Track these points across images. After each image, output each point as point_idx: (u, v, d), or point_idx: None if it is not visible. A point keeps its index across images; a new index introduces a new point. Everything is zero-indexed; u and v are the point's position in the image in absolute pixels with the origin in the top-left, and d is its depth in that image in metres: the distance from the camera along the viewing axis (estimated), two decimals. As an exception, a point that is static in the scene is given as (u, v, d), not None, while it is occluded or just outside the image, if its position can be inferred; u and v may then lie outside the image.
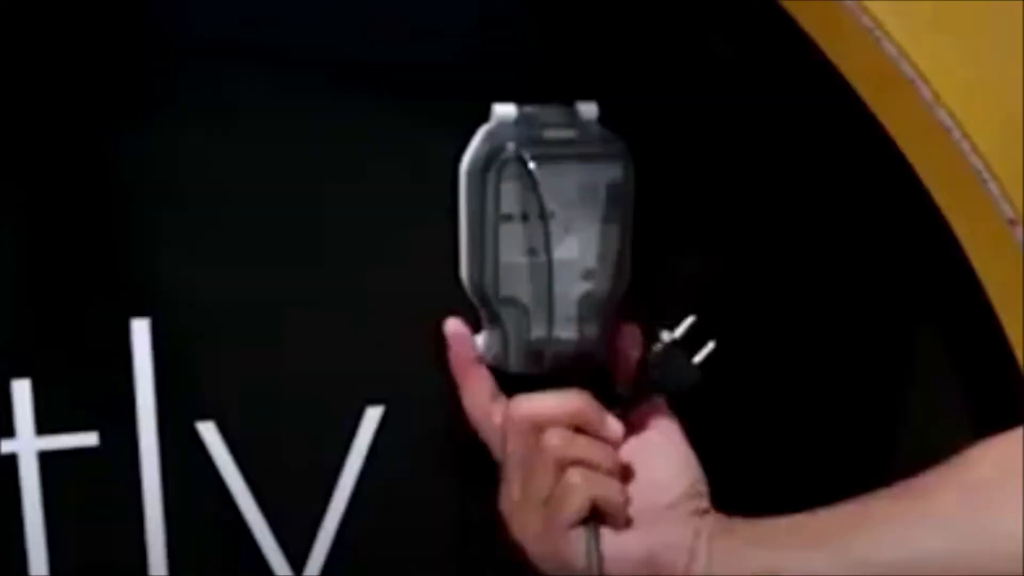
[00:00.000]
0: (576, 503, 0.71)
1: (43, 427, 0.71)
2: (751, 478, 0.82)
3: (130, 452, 0.73)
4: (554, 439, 0.71)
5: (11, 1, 0.67)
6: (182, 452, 0.74)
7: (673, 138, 0.77)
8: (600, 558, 0.71)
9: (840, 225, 0.82)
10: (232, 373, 0.74)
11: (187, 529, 0.75)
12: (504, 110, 0.73)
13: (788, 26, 0.75)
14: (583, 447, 0.72)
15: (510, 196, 0.73)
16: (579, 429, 0.72)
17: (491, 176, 0.72)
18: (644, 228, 0.76)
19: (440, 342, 0.75)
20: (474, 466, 0.77)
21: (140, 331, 0.72)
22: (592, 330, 0.74)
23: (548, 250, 0.72)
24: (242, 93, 0.71)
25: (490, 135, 0.73)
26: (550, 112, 0.74)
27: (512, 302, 0.74)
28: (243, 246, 0.73)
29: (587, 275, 0.75)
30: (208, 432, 0.74)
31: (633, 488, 0.73)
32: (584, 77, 0.75)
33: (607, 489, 0.71)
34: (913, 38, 0.74)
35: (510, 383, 0.75)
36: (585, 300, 0.74)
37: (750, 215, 0.81)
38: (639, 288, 0.77)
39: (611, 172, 0.73)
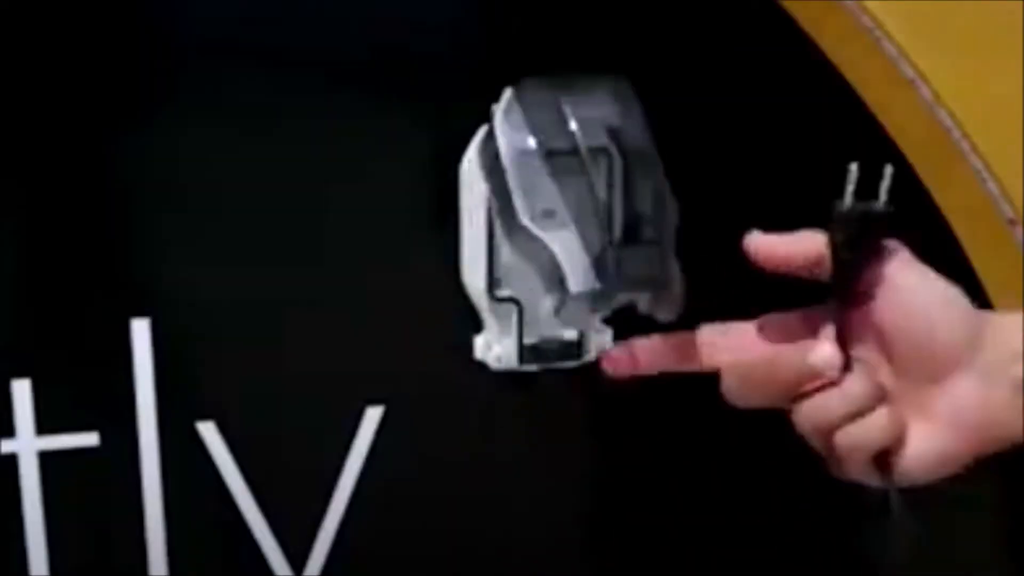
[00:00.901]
0: (858, 469, 0.63)
1: (43, 427, 0.71)
2: (750, 477, 0.83)
3: (130, 452, 0.73)
4: (804, 422, 0.64)
5: (11, 1, 0.67)
6: (182, 452, 0.74)
7: (672, 138, 0.77)
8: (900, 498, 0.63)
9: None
10: (232, 373, 0.74)
11: (187, 529, 0.75)
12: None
13: (788, 26, 0.75)
14: (837, 408, 0.63)
15: (511, 194, 0.73)
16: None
17: (493, 173, 0.72)
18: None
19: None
20: (474, 466, 0.78)
21: (140, 331, 0.72)
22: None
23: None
24: (242, 93, 0.71)
25: (491, 135, 0.73)
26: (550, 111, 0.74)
27: (512, 301, 0.74)
28: (243, 246, 0.73)
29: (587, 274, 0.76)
30: (208, 432, 0.74)
31: (916, 376, 0.63)
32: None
33: (878, 434, 0.63)
34: (913, 38, 0.74)
35: (511, 382, 0.75)
36: (587, 299, 0.74)
37: (750, 215, 0.81)
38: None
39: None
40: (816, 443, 0.64)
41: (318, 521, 0.77)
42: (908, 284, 0.64)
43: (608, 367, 0.71)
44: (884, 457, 0.63)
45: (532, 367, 0.76)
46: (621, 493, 0.82)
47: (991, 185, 0.75)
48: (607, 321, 0.77)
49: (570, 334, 0.76)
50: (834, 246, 0.64)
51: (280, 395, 0.75)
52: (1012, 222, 0.76)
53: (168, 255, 0.72)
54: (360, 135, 0.73)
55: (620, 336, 0.77)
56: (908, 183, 0.77)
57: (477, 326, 0.76)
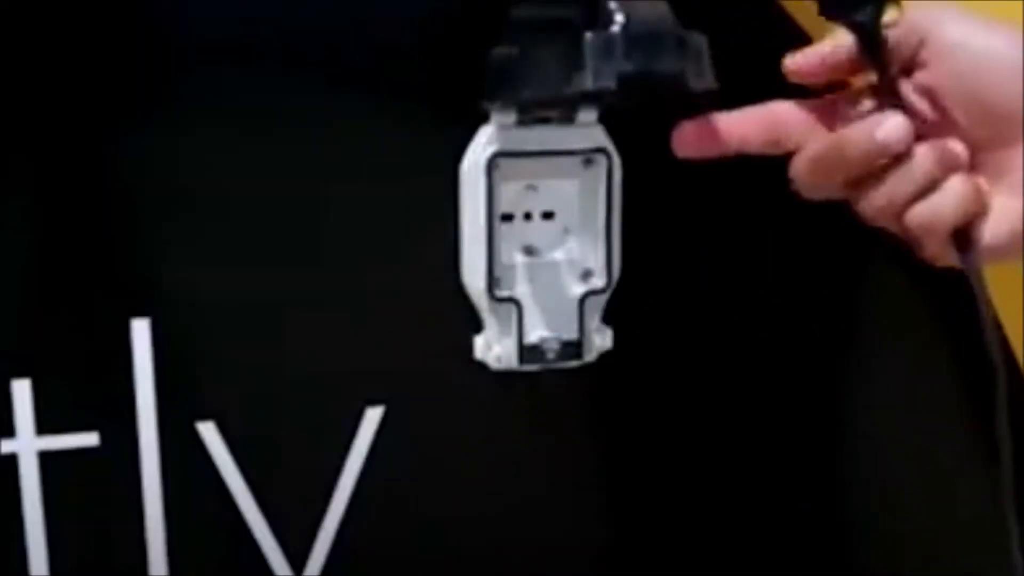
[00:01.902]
0: (937, 249, 0.61)
1: (43, 427, 0.71)
2: (750, 477, 0.83)
3: (130, 452, 0.73)
4: (875, 209, 0.61)
5: (11, 1, 0.67)
6: (182, 452, 0.74)
7: (670, 136, 0.77)
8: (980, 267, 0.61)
9: (840, 225, 0.82)
10: (232, 373, 0.74)
11: (187, 529, 0.75)
12: (503, 111, 0.73)
13: (788, 26, 0.75)
14: (907, 182, 0.60)
15: (510, 196, 0.73)
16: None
17: (491, 174, 0.72)
18: (641, 228, 0.76)
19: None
20: (474, 466, 0.78)
21: (140, 331, 0.72)
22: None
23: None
24: (242, 93, 0.71)
25: (490, 136, 0.73)
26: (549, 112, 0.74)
27: (512, 301, 0.74)
28: (243, 246, 0.73)
29: (587, 275, 0.76)
30: (208, 432, 0.74)
31: (988, 143, 0.60)
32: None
33: (951, 206, 0.60)
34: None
35: (511, 382, 0.75)
36: (585, 299, 0.75)
37: (748, 214, 0.81)
38: (637, 287, 0.77)
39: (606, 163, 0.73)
40: (894, 230, 0.61)
41: (318, 521, 0.77)
42: (952, 42, 0.60)
43: (681, 146, 0.66)
44: (965, 233, 0.60)
45: (532, 367, 0.76)
46: (621, 493, 0.82)
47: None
48: (606, 320, 0.77)
49: (570, 334, 0.76)
50: (855, 27, 0.61)
51: (280, 395, 0.75)
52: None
53: (168, 255, 0.72)
54: (360, 135, 0.73)
55: (620, 336, 0.77)
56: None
57: (477, 326, 0.76)
